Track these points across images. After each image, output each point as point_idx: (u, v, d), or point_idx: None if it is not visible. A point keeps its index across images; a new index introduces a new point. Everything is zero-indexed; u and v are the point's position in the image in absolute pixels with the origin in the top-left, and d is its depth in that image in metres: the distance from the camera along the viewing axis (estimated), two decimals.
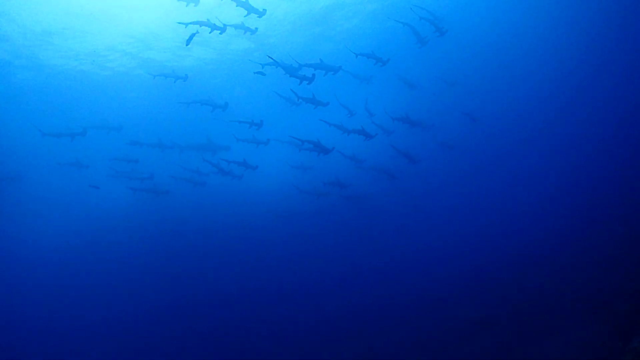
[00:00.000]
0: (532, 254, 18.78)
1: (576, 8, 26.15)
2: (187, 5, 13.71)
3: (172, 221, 28.42)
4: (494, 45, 27.89)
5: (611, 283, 13.02)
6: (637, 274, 12.66)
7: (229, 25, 14.07)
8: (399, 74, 20.53)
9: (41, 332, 21.75)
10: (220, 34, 14.32)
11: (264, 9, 14.04)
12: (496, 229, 24.64)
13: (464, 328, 14.91)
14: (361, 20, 22.40)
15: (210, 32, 14.06)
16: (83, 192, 20.59)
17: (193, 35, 13.66)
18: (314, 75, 14.62)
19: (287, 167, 22.07)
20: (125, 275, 26.59)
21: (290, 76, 14.72)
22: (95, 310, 23.65)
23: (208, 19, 13.85)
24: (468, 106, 26.67)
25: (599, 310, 11.83)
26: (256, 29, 15.10)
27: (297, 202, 24.01)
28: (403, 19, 17.49)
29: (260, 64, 15.08)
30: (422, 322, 16.32)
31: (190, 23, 13.66)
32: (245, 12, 13.83)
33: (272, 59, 14.49)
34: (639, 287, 11.55)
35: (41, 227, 28.42)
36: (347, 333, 17.37)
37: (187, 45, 13.95)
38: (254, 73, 15.22)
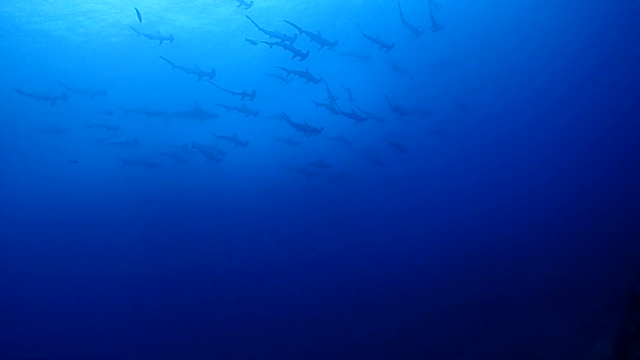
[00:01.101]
0: (506, 246, 19.11)
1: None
2: None
3: (153, 190, 28.08)
4: (491, 32, 27.49)
5: (581, 282, 13.30)
6: (607, 275, 12.92)
7: None
8: (390, 60, 19.94)
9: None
10: None
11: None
12: (473, 220, 24.95)
13: (430, 314, 15.19)
14: None
15: None
16: (62, 158, 20.16)
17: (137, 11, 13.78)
18: (308, 51, 14.22)
19: (273, 140, 21.64)
20: (103, 238, 26.43)
21: (284, 49, 14.34)
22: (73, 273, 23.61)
23: None
24: (461, 93, 26.46)
25: (566, 308, 12.13)
26: (252, 2, 14.86)
27: (281, 178, 23.87)
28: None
29: (260, 28, 14.70)
30: (390, 306, 16.63)
31: None
32: None
33: (265, 32, 14.08)
34: (607, 288, 11.80)
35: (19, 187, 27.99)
36: (319, 316, 17.52)
37: (140, 21, 13.97)
38: (246, 40, 14.87)
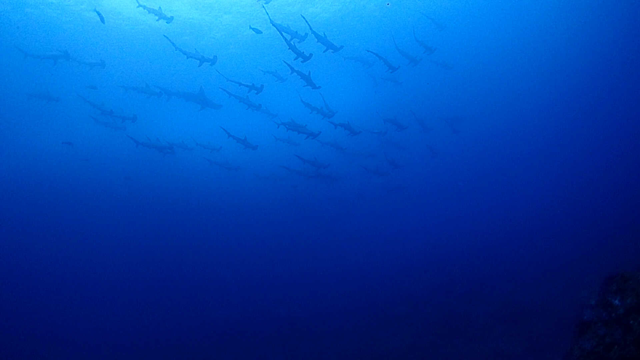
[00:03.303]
0: (469, 266, 19.60)
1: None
2: None
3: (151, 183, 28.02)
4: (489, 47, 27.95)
5: (537, 305, 13.77)
6: (562, 299, 13.46)
7: None
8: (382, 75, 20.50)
9: None
10: None
11: None
12: (439, 239, 25.46)
13: (389, 323, 15.52)
14: None
15: None
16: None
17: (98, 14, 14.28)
18: (311, 54, 14.64)
19: (272, 138, 21.81)
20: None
21: (289, 49, 14.67)
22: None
23: None
24: (456, 109, 26.94)
25: (521, 329, 12.62)
26: None
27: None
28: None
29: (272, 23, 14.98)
30: (351, 317, 16.83)
31: None
32: None
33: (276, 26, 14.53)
34: (561, 312, 12.32)
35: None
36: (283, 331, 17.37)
37: (103, 23, 14.68)
38: (250, 28, 15.27)
